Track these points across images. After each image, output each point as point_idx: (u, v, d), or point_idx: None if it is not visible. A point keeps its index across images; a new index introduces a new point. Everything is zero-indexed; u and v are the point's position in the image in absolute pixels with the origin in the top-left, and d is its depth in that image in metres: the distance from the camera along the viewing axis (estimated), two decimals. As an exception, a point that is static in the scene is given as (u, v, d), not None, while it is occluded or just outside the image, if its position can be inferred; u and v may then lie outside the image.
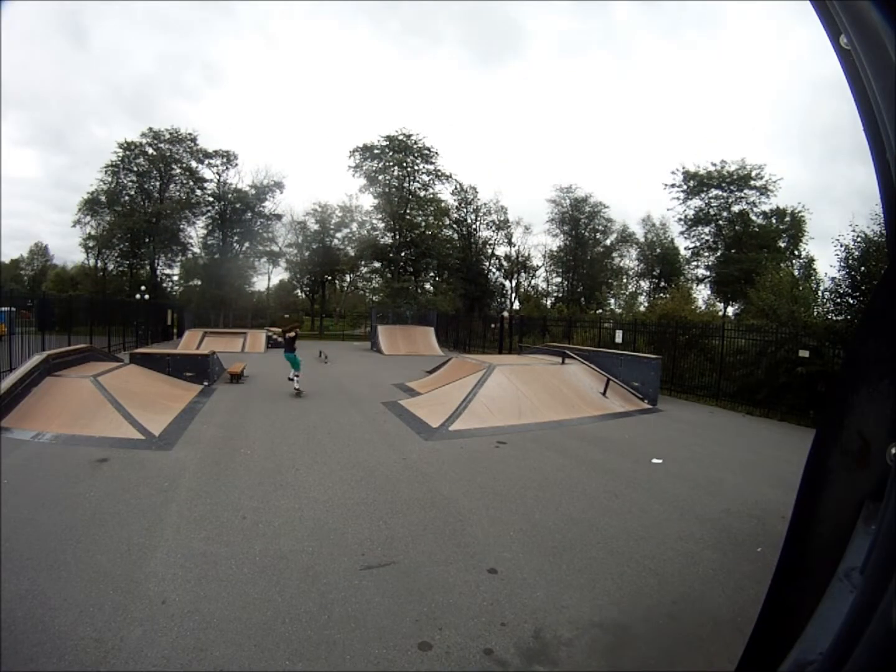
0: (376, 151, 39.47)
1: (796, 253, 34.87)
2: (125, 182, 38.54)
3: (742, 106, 58.00)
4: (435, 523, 4.67)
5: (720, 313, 30.49)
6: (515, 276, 45.91)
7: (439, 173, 41.00)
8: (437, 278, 43.09)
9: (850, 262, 12.18)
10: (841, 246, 12.38)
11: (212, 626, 2.99)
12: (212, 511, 4.76)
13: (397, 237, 39.66)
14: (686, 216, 38.49)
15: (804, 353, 10.84)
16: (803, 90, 52.29)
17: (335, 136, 77.25)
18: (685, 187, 37.90)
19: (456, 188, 43.19)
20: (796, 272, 21.61)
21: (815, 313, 13.03)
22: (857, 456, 1.04)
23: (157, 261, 39.87)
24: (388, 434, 7.99)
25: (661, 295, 35.21)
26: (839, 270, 12.59)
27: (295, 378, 11.30)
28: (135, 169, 38.43)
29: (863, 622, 0.73)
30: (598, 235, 44.86)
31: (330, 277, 45.74)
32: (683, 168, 37.50)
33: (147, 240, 38.58)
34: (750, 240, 34.95)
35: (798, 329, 11.57)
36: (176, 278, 42.99)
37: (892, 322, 0.99)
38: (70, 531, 4.17)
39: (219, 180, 40.40)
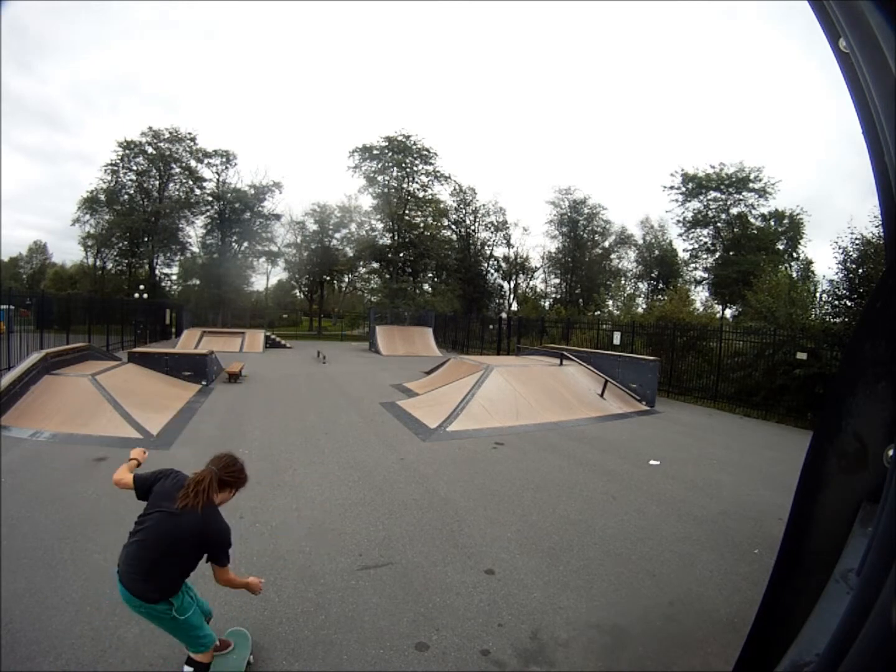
0: (375, 152, 39.48)
1: (795, 255, 34.97)
2: (124, 181, 38.47)
3: (741, 108, 58.15)
4: (432, 524, 4.67)
5: (718, 315, 30.53)
6: (514, 277, 45.92)
7: (438, 174, 41.05)
8: (435, 279, 43.06)
9: (848, 264, 12.23)
10: (839, 248, 12.44)
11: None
12: (209, 511, 4.74)
13: (396, 238, 39.63)
14: (685, 218, 38.53)
15: (802, 356, 10.87)
16: (802, 92, 52.53)
17: (335, 136, 77.39)
18: (684, 189, 37.92)
19: (455, 189, 43.33)
20: (794, 274, 21.68)
21: (813, 315, 13.08)
22: (854, 458, 1.04)
23: (155, 260, 39.75)
24: (385, 435, 7.98)
25: (660, 297, 35.23)
26: (837, 273, 12.66)
27: None
28: (134, 168, 38.36)
29: (859, 624, 0.73)
30: (596, 237, 44.86)
31: (328, 278, 45.69)
32: (682, 170, 37.58)
33: (146, 239, 38.48)
34: (748, 242, 34.95)
35: (796, 331, 11.60)
36: (175, 277, 42.93)
37: (891, 324, 0.99)
38: (67, 530, 4.16)
39: (218, 180, 40.36)
